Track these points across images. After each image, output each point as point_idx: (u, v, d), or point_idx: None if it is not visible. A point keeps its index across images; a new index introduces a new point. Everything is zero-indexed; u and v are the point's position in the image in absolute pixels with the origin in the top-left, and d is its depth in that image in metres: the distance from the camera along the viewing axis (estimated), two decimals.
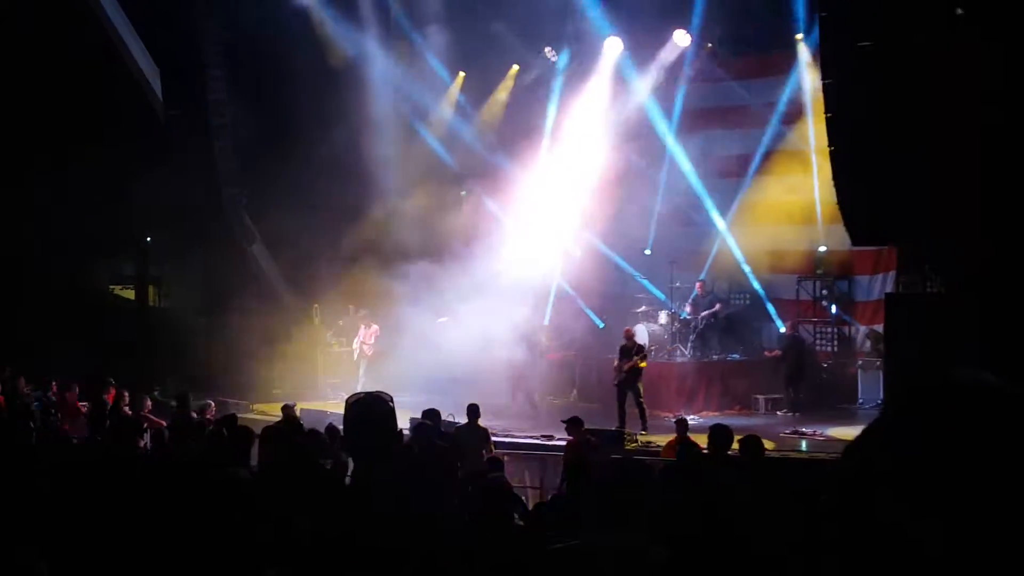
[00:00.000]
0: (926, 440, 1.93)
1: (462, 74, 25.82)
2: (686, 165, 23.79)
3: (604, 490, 4.23)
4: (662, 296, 23.28)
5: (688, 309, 22.94)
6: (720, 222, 23.53)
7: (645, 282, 23.87)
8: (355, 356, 23.62)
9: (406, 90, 24.71)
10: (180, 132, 24.36)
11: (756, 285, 23.54)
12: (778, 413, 21.05)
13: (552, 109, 25.41)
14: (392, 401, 4.69)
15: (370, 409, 4.65)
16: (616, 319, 23.31)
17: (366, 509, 4.67)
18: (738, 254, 23.25)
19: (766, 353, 22.41)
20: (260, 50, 22.75)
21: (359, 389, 21.47)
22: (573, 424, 13.88)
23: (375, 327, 23.58)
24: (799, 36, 22.75)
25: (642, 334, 21.36)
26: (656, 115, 24.00)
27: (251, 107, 23.64)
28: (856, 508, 2.00)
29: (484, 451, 13.17)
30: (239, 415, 17.77)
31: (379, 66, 24.53)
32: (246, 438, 10.04)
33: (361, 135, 23.80)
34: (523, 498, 14.86)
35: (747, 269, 23.31)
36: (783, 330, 22.70)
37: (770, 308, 23.43)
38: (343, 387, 23.30)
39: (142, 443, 11.76)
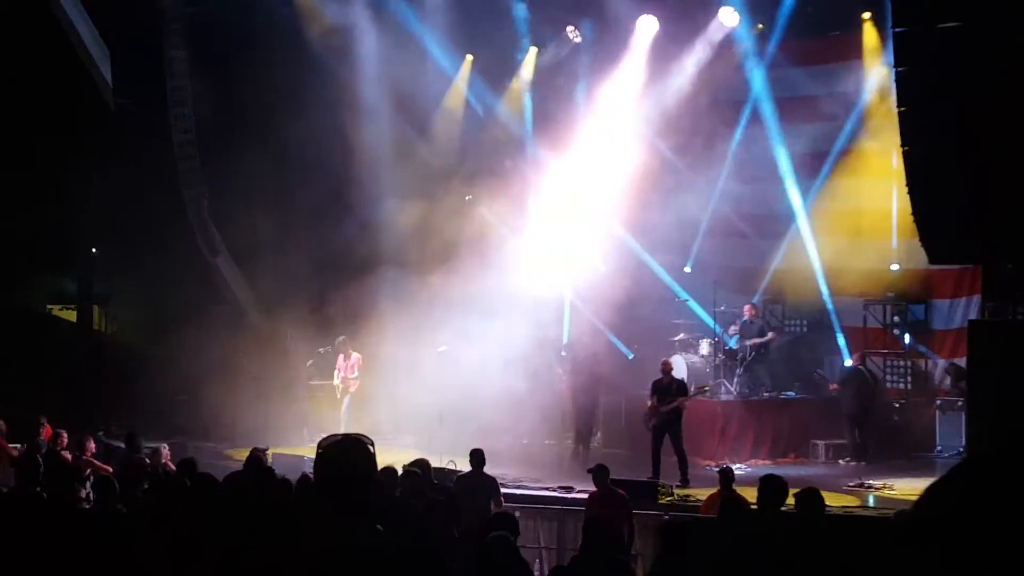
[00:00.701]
0: (1011, 496, 1.89)
1: (469, 57, 25.80)
2: (780, 156, 23.61)
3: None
4: (711, 323, 23.15)
5: (735, 336, 22.90)
6: (807, 232, 23.30)
7: (694, 304, 23.72)
8: (338, 392, 23.60)
9: (400, 74, 24.62)
10: (133, 125, 24.38)
11: (831, 309, 23.36)
12: (840, 462, 20.96)
13: (575, 99, 25.39)
14: (373, 445, 4.64)
15: (347, 455, 4.61)
16: (648, 349, 23.24)
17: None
18: (818, 272, 23.09)
19: (830, 387, 22.36)
20: (227, 26, 22.80)
21: (341, 430, 21.59)
22: (599, 473, 13.82)
23: (356, 355, 23.54)
24: (866, 15, 22.74)
25: (679, 367, 21.29)
26: (763, 100, 23.97)
27: (216, 94, 23.67)
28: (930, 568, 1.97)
29: (492, 504, 13.11)
30: (202, 460, 17.73)
31: (368, 45, 24.50)
32: (209, 488, 10.00)
33: (347, 127, 23.80)
34: (537, 560, 14.85)
35: (825, 292, 23.15)
36: (848, 363, 22.60)
37: (840, 338, 23.26)
38: (324, 428, 23.25)
39: (83, 493, 11.75)
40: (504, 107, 26.07)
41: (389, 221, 24.28)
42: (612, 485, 13.84)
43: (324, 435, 15.55)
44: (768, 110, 23.81)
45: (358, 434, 4.78)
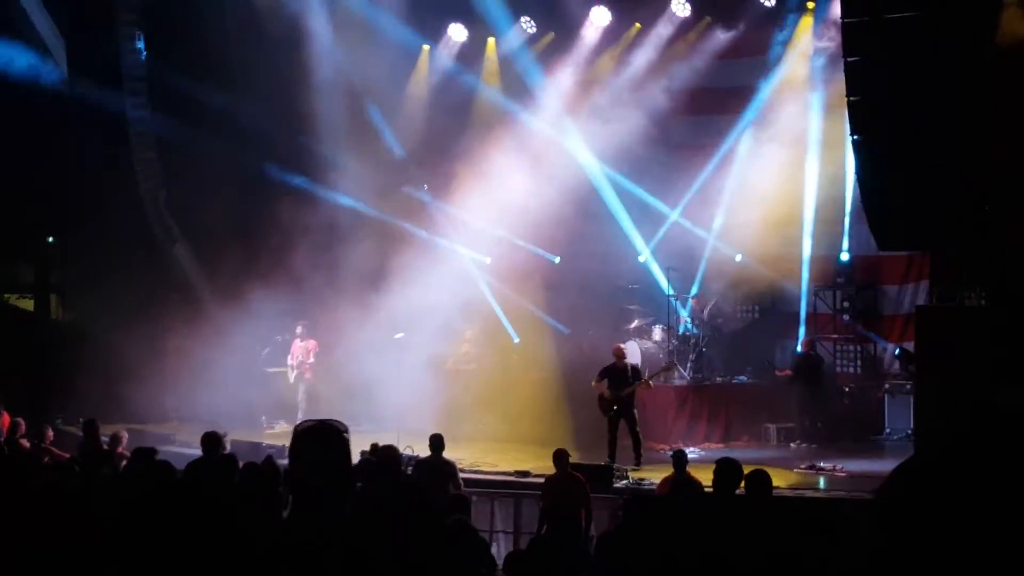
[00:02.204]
0: (972, 480, 1.92)
1: (426, 47, 25.71)
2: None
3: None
4: (685, 313, 23.29)
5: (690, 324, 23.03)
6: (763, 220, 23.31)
7: (664, 287, 23.74)
8: (291, 378, 23.57)
9: (357, 63, 24.44)
10: (89, 115, 24.12)
11: (804, 298, 23.38)
12: (792, 445, 21.11)
13: (534, 88, 25.33)
14: (348, 432, 4.62)
15: (323, 441, 4.57)
16: (604, 336, 23.27)
17: (312, 563, 4.60)
18: (805, 262, 23.18)
19: (776, 373, 22.45)
20: (181, 13, 22.57)
21: (300, 416, 21.55)
22: (559, 457, 13.84)
23: (312, 342, 23.52)
24: (811, 4, 22.87)
25: (634, 352, 21.34)
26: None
27: (171, 82, 23.44)
28: (892, 552, 1.99)
29: (451, 488, 13.12)
30: (160, 447, 17.64)
31: (323, 28, 24.26)
32: (166, 475, 9.95)
33: (303, 116, 23.65)
34: (494, 544, 14.88)
35: (805, 281, 23.25)
36: (800, 348, 22.75)
37: (802, 323, 23.35)
38: (280, 414, 23.23)
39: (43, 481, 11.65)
40: (465, 94, 25.93)
41: (347, 210, 24.16)
42: (571, 469, 13.89)
43: (280, 421, 15.68)
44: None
45: (333, 420, 4.74)
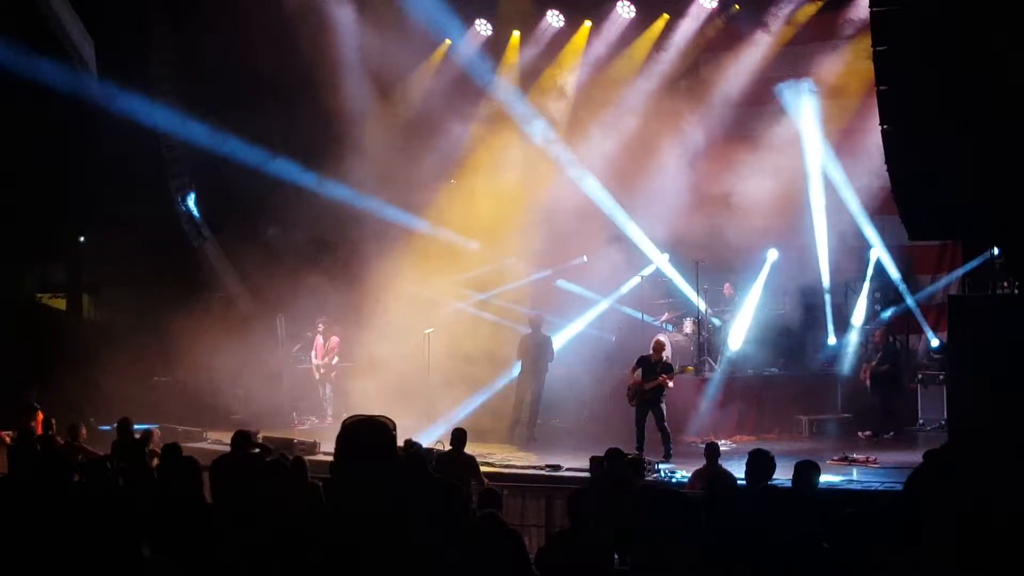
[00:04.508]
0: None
1: (448, 41, 25.62)
2: None
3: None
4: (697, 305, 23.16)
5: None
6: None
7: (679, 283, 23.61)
8: (317, 375, 23.70)
9: (383, 53, 24.35)
10: (118, 115, 24.17)
11: (827, 291, 23.20)
12: (860, 435, 20.89)
13: (561, 81, 25.27)
14: (395, 428, 4.62)
15: (370, 435, 4.55)
16: (631, 329, 23.19)
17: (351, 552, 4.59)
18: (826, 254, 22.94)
19: (864, 366, 22.14)
20: (208, 12, 22.66)
21: (328, 412, 21.64)
22: (610, 456, 13.62)
23: (335, 339, 23.58)
24: None
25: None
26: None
27: (197, 72, 23.51)
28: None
29: (474, 483, 13.10)
30: (191, 444, 17.80)
31: (348, 19, 24.24)
32: (192, 470, 10.02)
33: (331, 109, 23.64)
34: (526, 538, 14.87)
35: (828, 272, 23.00)
36: (830, 340, 22.61)
37: (829, 318, 23.18)
38: (310, 410, 23.33)
39: (76, 478, 11.75)
40: (490, 90, 25.84)
41: (376, 203, 24.15)
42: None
43: (312, 417, 15.81)
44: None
45: (382, 416, 4.74)
